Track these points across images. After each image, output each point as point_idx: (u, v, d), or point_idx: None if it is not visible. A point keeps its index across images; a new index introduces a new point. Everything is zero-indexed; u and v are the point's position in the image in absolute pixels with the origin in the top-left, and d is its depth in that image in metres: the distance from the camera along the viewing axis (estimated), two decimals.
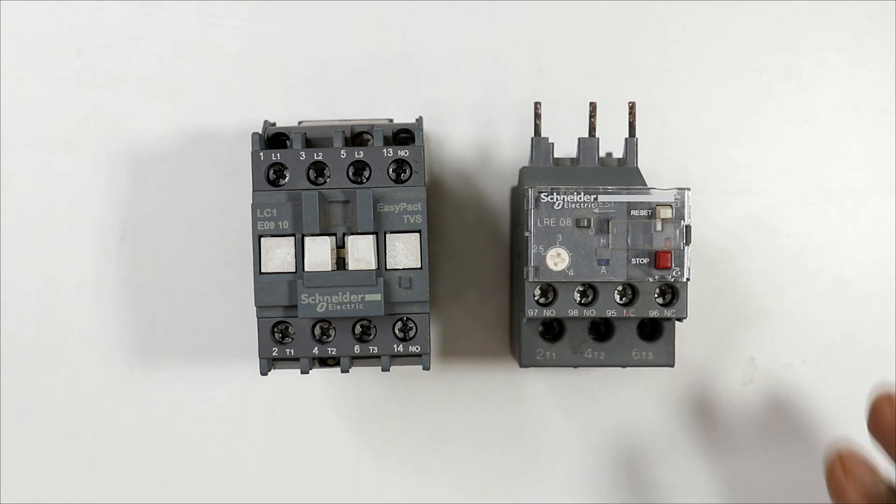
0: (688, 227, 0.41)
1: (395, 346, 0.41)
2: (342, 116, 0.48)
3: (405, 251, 0.40)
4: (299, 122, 0.45)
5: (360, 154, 0.40)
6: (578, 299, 0.42)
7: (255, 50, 0.49)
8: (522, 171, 0.44)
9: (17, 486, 0.49)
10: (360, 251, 0.40)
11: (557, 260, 0.41)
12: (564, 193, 0.41)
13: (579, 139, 0.43)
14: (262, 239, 0.40)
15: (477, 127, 0.49)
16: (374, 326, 0.41)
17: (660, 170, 0.45)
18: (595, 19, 0.49)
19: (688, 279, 0.41)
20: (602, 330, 0.44)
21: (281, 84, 0.49)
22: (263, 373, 0.41)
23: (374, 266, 0.40)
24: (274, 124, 0.43)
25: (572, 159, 0.44)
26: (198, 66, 0.49)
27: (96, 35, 0.49)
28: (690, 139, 0.49)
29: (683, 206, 0.41)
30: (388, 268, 0.40)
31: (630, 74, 0.49)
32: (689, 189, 0.41)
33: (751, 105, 0.50)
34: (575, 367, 0.44)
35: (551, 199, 0.41)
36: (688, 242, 0.41)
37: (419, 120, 0.43)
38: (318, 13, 0.49)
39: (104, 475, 0.49)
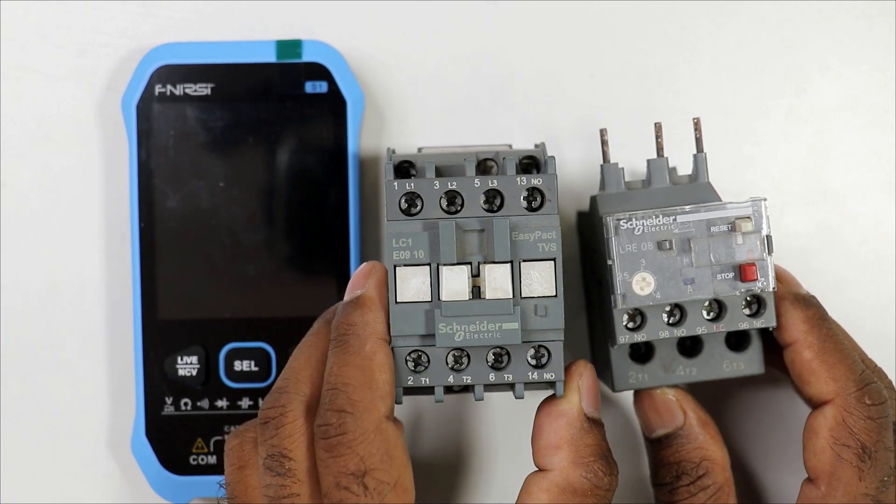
0: (768, 237, 0.41)
1: (529, 373, 0.41)
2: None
3: (540, 279, 0.40)
4: (419, 150, 0.44)
5: (494, 183, 0.40)
6: (667, 320, 0.42)
7: None
8: (595, 198, 0.44)
9: (17, 486, 0.49)
10: (498, 280, 0.40)
11: (643, 284, 0.41)
12: (643, 218, 0.41)
13: (648, 161, 0.43)
14: (398, 269, 0.40)
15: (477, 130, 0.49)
16: (508, 353, 0.41)
17: None
18: (595, 19, 0.49)
19: (774, 288, 0.42)
20: (689, 345, 0.44)
21: None
22: (398, 402, 0.41)
23: (510, 295, 0.40)
24: (394, 151, 0.43)
25: (643, 181, 0.44)
26: None
27: (96, 35, 0.49)
28: (690, 140, 0.49)
29: (762, 217, 0.41)
30: (523, 296, 0.40)
31: (630, 74, 0.49)
32: (765, 199, 0.42)
33: (751, 105, 0.50)
34: (669, 386, 0.44)
35: (630, 225, 0.41)
36: (770, 252, 0.41)
37: (542, 146, 0.43)
38: (313, 15, 0.49)
39: (105, 476, 0.49)
